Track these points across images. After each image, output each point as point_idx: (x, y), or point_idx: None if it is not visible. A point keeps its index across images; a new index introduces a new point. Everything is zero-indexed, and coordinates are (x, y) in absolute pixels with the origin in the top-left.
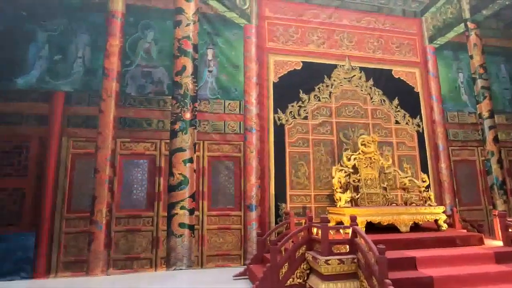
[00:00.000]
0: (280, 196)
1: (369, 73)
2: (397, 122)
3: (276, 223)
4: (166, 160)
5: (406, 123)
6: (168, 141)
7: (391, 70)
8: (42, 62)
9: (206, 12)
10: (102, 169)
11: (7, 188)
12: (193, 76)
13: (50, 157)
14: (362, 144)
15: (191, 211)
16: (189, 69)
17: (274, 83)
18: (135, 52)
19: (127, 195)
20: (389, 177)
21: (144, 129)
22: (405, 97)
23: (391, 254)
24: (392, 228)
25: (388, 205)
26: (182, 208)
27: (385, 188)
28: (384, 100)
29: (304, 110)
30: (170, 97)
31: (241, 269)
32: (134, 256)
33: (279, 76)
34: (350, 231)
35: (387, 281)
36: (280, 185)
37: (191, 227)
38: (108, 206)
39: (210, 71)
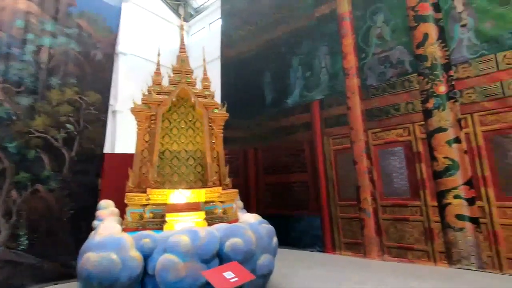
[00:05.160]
0: None
1: None
2: None
3: None
4: (424, 144)
5: None
6: (423, 123)
7: None
8: (299, 81)
9: None
10: (360, 161)
11: (296, 181)
12: (440, 41)
13: (318, 155)
14: None
15: (471, 201)
16: (433, 35)
17: None
18: (368, 42)
19: (388, 184)
20: None
21: (392, 116)
22: None
23: None
24: None
25: None
26: (456, 197)
27: None
28: None
29: None
30: (415, 74)
31: None
32: (407, 246)
33: None
34: None
35: None
36: None
37: (475, 220)
38: (371, 195)
39: (463, 26)
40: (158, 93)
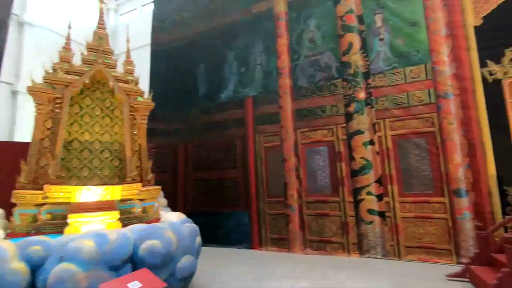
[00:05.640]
0: (507, 177)
1: None
2: None
3: (505, 214)
4: (345, 145)
5: None
6: (344, 125)
7: None
8: (234, 77)
9: None
10: (288, 159)
11: (227, 177)
12: (362, 51)
13: (250, 152)
14: None
15: (379, 197)
16: (356, 44)
17: (475, 28)
18: (301, 44)
19: (312, 181)
20: None
21: (319, 117)
22: None
23: None
24: None
25: None
26: (368, 193)
27: None
28: None
29: None
30: (340, 79)
31: (453, 267)
32: (326, 239)
33: (483, 15)
34: None
35: None
36: (504, 164)
37: (382, 214)
38: (297, 192)
39: (381, 40)
40: (67, 72)
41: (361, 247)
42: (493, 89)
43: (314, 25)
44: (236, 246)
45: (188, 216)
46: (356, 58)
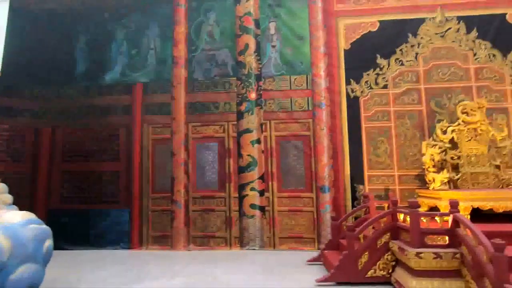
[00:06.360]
0: (357, 177)
1: (471, 22)
2: None
3: (353, 206)
4: (234, 142)
5: None
6: (235, 122)
7: (504, 15)
8: (122, 58)
9: None
10: (178, 153)
11: (106, 170)
12: (256, 54)
13: (135, 143)
14: (463, 113)
15: (261, 193)
16: (252, 46)
17: (345, 51)
18: (199, 36)
19: (201, 177)
20: (504, 153)
21: (212, 112)
22: None
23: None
24: (508, 217)
25: (502, 187)
26: (252, 189)
27: (497, 166)
28: (493, 55)
29: (383, 78)
30: (235, 78)
31: (315, 253)
32: (210, 234)
33: (351, 42)
34: (449, 219)
35: (509, 286)
36: (356, 165)
37: (262, 208)
38: (185, 187)
39: (273, 46)
40: None
41: (242, 240)
42: (353, 104)
43: (214, 19)
44: (111, 247)
45: (53, 215)
46: (250, 60)
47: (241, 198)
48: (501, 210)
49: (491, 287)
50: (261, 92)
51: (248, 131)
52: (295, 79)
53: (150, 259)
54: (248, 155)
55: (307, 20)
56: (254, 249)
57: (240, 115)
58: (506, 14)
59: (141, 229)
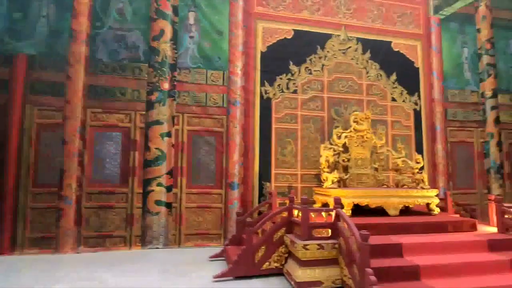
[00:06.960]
0: (265, 174)
1: (366, 44)
2: (393, 100)
3: (260, 202)
4: (141, 133)
5: (403, 101)
6: (144, 112)
7: (390, 43)
8: (2, 21)
9: None
10: (71, 141)
11: None
12: (172, 42)
13: (13, 127)
14: (354, 122)
15: (169, 188)
16: (168, 33)
17: (262, 53)
18: (107, 12)
19: (99, 170)
20: (381, 157)
21: (117, 99)
22: (404, 73)
23: (376, 240)
24: (381, 211)
25: (378, 186)
26: (159, 185)
27: (376, 169)
28: (381, 75)
29: (294, 84)
30: (147, 64)
31: (219, 249)
32: (107, 234)
33: (268, 45)
34: (334, 214)
35: (368, 270)
36: (265, 163)
37: (169, 205)
38: (78, 181)
39: (191, 37)
40: None
41: (144, 239)
42: (266, 105)
43: None
44: None
45: None
46: (165, 47)
47: (145, 194)
48: (374, 206)
49: (357, 271)
50: (175, 83)
51: (158, 122)
52: (211, 74)
53: (23, 265)
54: (157, 148)
55: (228, 16)
56: (157, 248)
57: (150, 105)
58: (391, 42)
59: (14, 231)
